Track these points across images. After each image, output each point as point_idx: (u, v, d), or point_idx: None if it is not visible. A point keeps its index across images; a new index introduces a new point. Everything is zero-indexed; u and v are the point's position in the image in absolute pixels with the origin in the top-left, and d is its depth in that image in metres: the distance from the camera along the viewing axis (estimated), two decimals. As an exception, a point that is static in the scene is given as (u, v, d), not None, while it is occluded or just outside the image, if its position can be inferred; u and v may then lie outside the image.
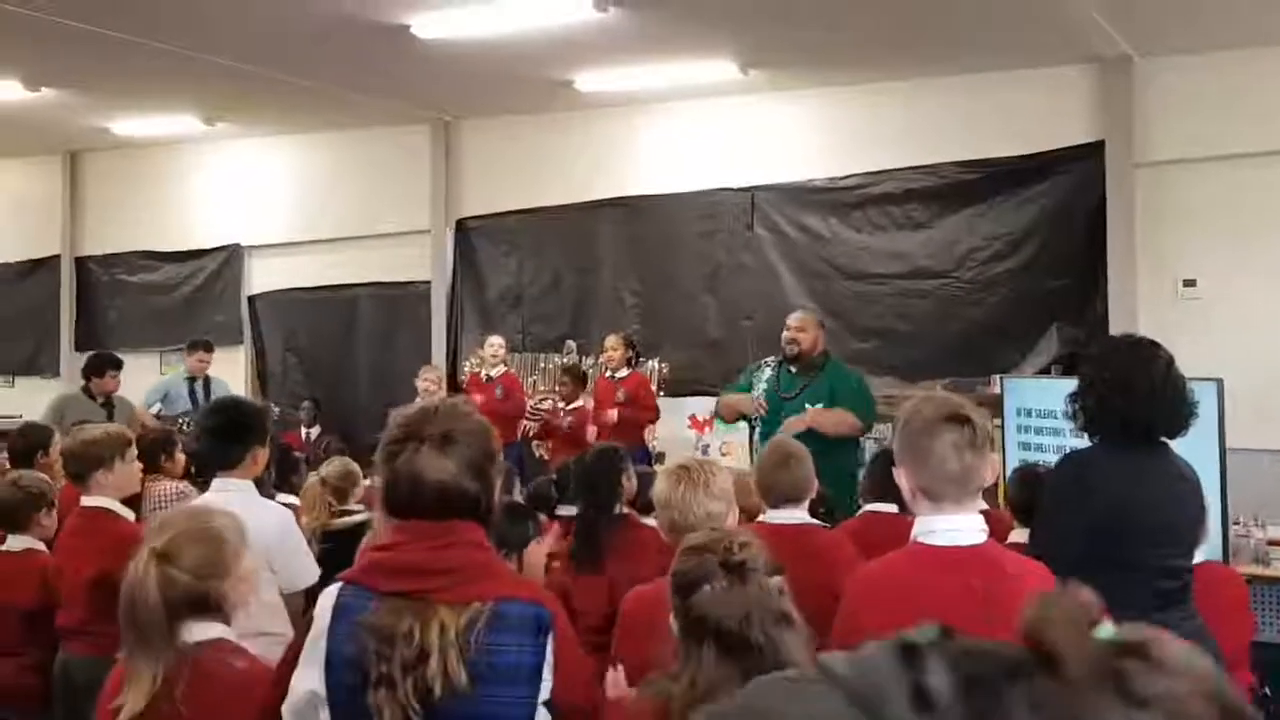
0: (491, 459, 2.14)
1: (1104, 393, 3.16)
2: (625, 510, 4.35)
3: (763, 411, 6.16)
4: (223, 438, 3.63)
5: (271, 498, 4.70)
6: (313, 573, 3.45)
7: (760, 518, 3.73)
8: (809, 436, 5.76)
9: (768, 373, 6.35)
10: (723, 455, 8.50)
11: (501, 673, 1.99)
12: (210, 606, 2.43)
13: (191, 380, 8.92)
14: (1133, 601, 2.96)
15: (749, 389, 6.39)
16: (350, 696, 2.02)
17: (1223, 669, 2.71)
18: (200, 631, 2.41)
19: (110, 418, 7.41)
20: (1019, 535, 3.72)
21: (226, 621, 2.47)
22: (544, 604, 2.08)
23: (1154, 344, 3.26)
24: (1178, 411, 3.14)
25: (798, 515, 3.68)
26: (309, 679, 2.08)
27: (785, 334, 6.35)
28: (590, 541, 4.23)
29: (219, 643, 2.43)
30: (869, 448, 6.66)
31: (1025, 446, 5.87)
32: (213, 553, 2.45)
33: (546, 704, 2.04)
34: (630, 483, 4.41)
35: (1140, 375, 3.12)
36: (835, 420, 6.00)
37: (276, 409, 10.54)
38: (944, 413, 2.38)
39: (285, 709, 2.11)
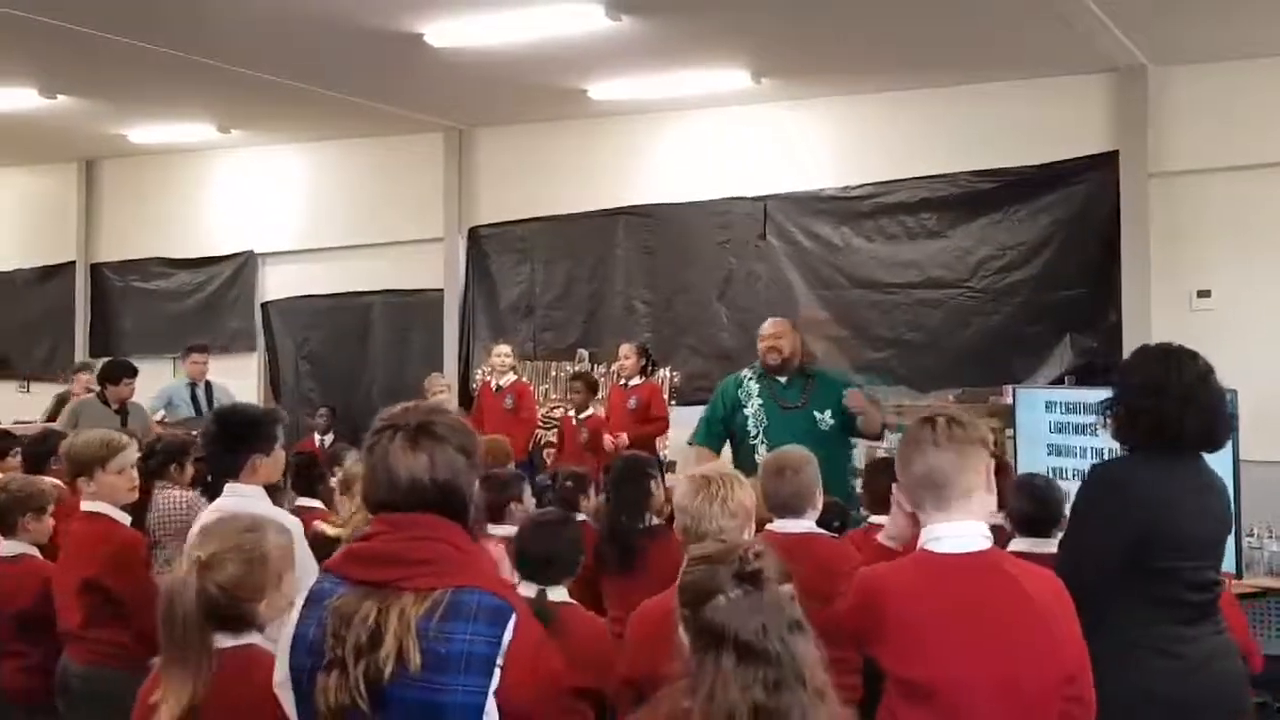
0: (467, 455, 2.13)
1: (1135, 398, 3.11)
2: (658, 520, 4.38)
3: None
4: (220, 446, 3.64)
5: (284, 504, 4.70)
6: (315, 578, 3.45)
7: (768, 527, 3.73)
8: (814, 438, 5.59)
9: (755, 387, 6.01)
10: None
11: (450, 660, 1.98)
12: (241, 623, 2.44)
13: (192, 385, 8.96)
14: (1164, 613, 2.95)
15: (731, 408, 6.04)
16: (310, 680, 2.04)
17: (1249, 682, 2.67)
18: (231, 639, 2.42)
19: (124, 424, 7.44)
20: (1018, 545, 3.70)
21: (260, 629, 2.47)
22: (508, 599, 2.05)
23: (1192, 354, 3.18)
24: (1211, 422, 3.07)
25: (800, 525, 3.66)
26: (282, 663, 2.11)
27: (762, 344, 6.03)
28: (614, 545, 4.26)
29: (249, 649, 2.44)
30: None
31: (1055, 450, 5.85)
32: (252, 573, 2.44)
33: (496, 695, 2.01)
34: (659, 491, 4.42)
35: (1172, 382, 3.06)
36: (876, 419, 5.87)
37: (320, 416, 10.50)
38: (917, 419, 2.48)
39: (275, 686, 2.14)
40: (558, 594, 3.37)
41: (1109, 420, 3.18)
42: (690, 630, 1.99)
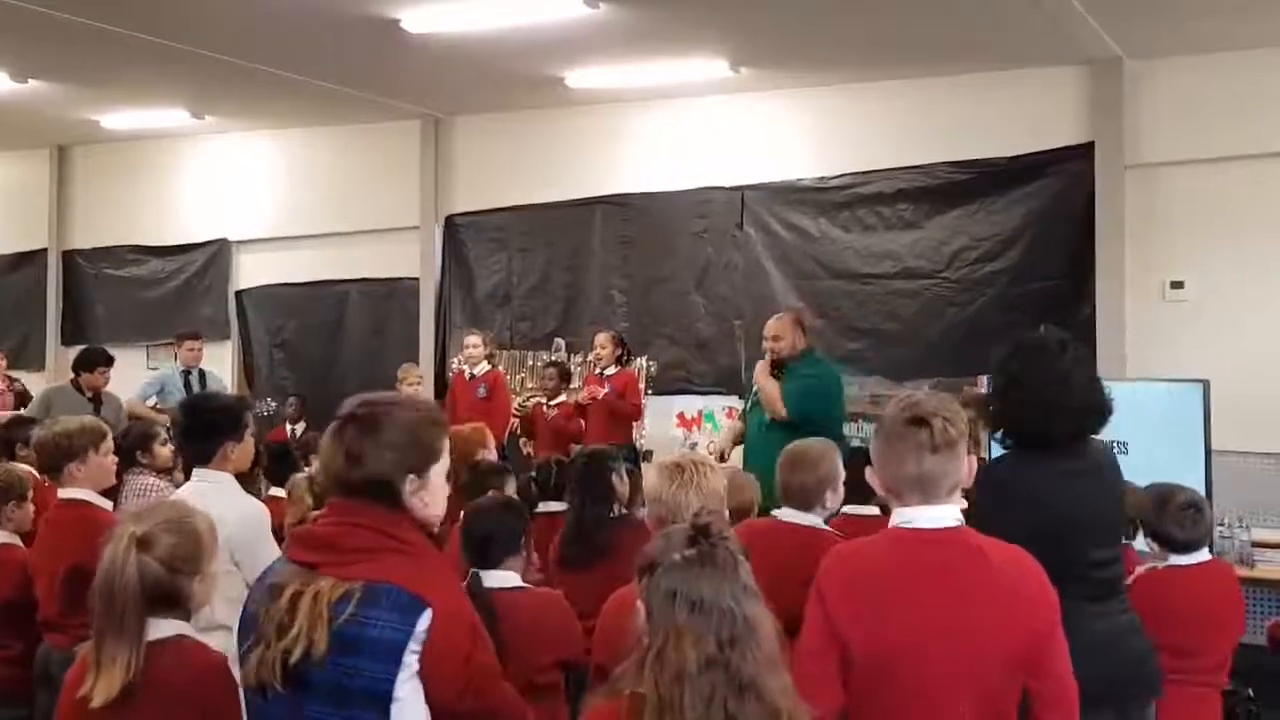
0: (415, 448, 2.16)
1: (997, 397, 3.16)
2: (624, 510, 4.36)
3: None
4: (191, 435, 3.64)
5: (258, 494, 4.69)
6: None
7: (774, 513, 3.80)
8: (760, 432, 6.02)
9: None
10: (709, 453, 8.50)
11: (363, 645, 2.01)
12: (178, 601, 2.47)
13: (186, 372, 8.93)
14: (1066, 595, 3.00)
15: (752, 389, 6.44)
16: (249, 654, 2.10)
17: (1157, 663, 2.71)
18: (162, 629, 2.44)
19: (97, 412, 7.39)
20: None
21: (187, 618, 2.51)
22: (424, 596, 2.05)
23: (1060, 345, 3.19)
24: (1074, 416, 3.09)
25: (803, 518, 3.70)
26: (234, 640, 2.18)
27: (764, 342, 6.34)
28: (580, 540, 4.22)
29: (179, 639, 2.46)
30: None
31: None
32: (189, 547, 2.49)
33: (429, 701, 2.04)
34: (622, 484, 4.41)
35: (1031, 377, 3.09)
36: (769, 395, 6.07)
37: (273, 403, 10.50)
38: (907, 415, 2.42)
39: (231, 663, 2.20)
40: (501, 577, 3.32)
41: (985, 417, 3.21)
42: (645, 596, 1.97)
